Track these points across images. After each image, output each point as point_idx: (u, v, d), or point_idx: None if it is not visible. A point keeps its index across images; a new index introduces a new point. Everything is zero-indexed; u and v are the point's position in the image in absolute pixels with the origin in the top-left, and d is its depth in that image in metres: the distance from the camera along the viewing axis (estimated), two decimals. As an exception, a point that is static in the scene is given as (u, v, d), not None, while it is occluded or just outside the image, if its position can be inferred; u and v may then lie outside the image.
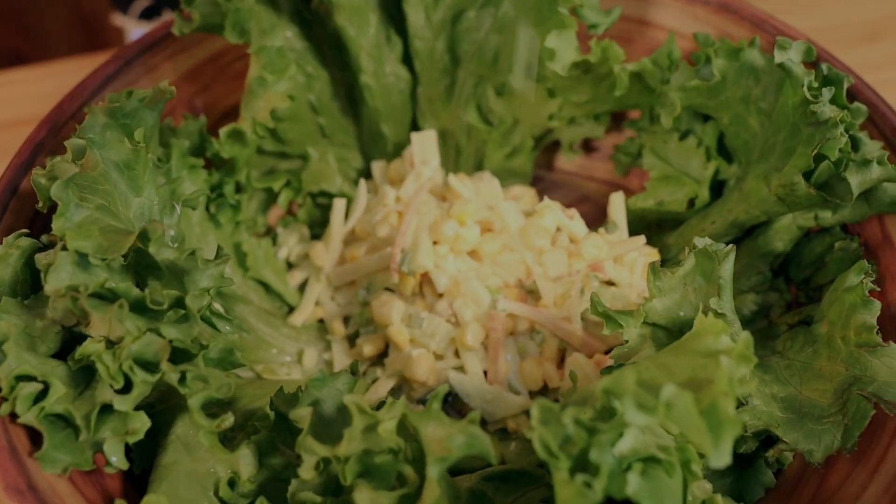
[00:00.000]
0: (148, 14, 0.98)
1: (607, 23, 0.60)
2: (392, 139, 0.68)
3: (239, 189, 0.64)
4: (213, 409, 0.48)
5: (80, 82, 0.59)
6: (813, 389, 0.51)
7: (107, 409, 0.46)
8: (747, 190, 0.59)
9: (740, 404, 0.50)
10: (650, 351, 0.53)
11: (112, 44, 1.18)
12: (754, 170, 0.59)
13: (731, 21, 0.63)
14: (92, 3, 1.29)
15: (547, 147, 0.71)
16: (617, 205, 0.65)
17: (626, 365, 0.45)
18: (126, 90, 0.54)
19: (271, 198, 0.67)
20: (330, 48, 0.65)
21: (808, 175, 0.54)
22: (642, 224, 0.66)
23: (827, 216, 0.58)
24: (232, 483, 0.47)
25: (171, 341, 0.45)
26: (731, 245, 0.51)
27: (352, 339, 0.64)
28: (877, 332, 0.49)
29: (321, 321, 0.65)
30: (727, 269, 0.51)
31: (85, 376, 0.48)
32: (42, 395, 0.45)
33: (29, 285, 0.49)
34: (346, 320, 0.64)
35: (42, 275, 0.46)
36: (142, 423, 0.46)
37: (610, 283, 0.61)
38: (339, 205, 0.65)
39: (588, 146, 0.71)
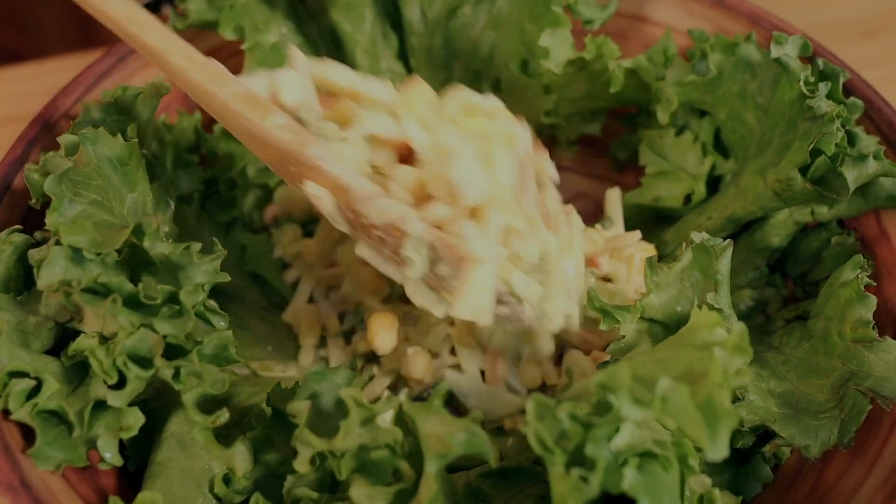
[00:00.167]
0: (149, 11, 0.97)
1: (602, 18, 0.60)
2: (388, 135, 0.68)
3: (234, 185, 0.64)
4: (208, 405, 0.47)
5: (74, 78, 0.59)
6: (809, 385, 0.51)
7: (100, 405, 0.45)
8: (744, 185, 0.59)
9: (736, 399, 0.50)
10: (647, 346, 0.53)
11: (108, 42, 1.17)
12: (751, 165, 0.59)
13: (726, 16, 0.63)
14: (88, 2, 1.29)
15: (543, 143, 0.71)
16: (613, 201, 0.65)
17: (622, 360, 0.45)
18: (120, 86, 0.54)
19: (266, 194, 0.66)
20: (325, 44, 0.65)
21: (804, 170, 0.54)
22: (639, 220, 0.66)
23: (823, 211, 0.58)
24: (227, 479, 0.47)
25: (165, 337, 0.45)
26: (728, 240, 0.51)
27: (347, 336, 0.64)
28: (873, 327, 0.49)
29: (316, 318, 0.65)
30: (724, 264, 0.51)
31: (78, 372, 0.47)
32: (35, 391, 0.45)
33: (22, 281, 0.49)
34: (341, 317, 0.64)
35: (35, 270, 0.46)
36: (136, 419, 0.46)
37: (606, 280, 0.61)
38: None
39: (584, 142, 0.71)
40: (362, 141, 0.50)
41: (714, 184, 0.65)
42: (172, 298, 0.47)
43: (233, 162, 0.62)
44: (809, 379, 0.52)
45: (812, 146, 0.53)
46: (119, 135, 0.52)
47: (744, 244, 0.61)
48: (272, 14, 0.62)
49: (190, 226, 0.60)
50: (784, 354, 0.54)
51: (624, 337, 0.52)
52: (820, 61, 0.56)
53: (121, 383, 0.45)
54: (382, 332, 0.58)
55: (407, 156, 0.51)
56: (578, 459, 0.37)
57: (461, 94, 0.53)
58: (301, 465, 0.42)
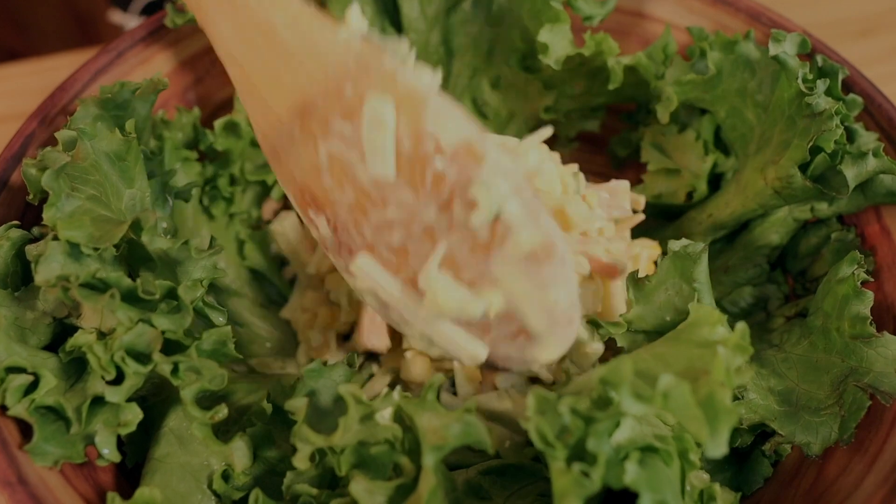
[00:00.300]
0: (149, 10, 0.97)
1: (602, 14, 0.60)
2: (387, 132, 0.68)
3: (233, 182, 0.63)
4: (207, 401, 0.47)
5: (72, 74, 0.58)
6: (810, 382, 0.51)
7: (98, 401, 0.45)
8: (744, 183, 0.59)
9: (736, 398, 0.50)
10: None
11: (106, 41, 1.17)
12: (751, 163, 0.59)
13: (726, 13, 0.63)
14: (87, 1, 1.29)
15: (542, 140, 0.71)
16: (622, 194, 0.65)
17: (623, 355, 0.45)
18: (118, 81, 0.53)
19: (265, 191, 0.66)
20: (324, 40, 0.65)
21: (804, 168, 0.54)
22: (639, 217, 0.66)
23: (823, 208, 0.58)
24: (226, 475, 0.47)
25: (163, 332, 0.45)
26: (702, 245, 0.51)
27: (347, 334, 0.64)
28: (870, 323, 0.49)
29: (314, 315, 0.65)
30: (701, 270, 0.51)
31: (76, 368, 0.47)
32: (32, 386, 0.45)
33: (20, 277, 0.49)
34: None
35: (32, 265, 0.45)
36: (134, 414, 0.45)
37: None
38: None
39: (584, 139, 0.71)
40: None
41: (715, 181, 0.65)
42: (171, 294, 0.46)
43: (231, 158, 0.62)
44: (809, 376, 0.51)
45: (811, 143, 0.53)
46: (117, 130, 0.52)
47: (744, 242, 0.61)
48: (271, 10, 0.61)
49: (188, 222, 0.60)
50: (784, 352, 0.54)
51: (623, 348, 0.52)
52: (819, 58, 0.56)
53: (119, 379, 0.45)
54: (372, 333, 0.58)
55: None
56: (579, 454, 0.37)
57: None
58: (300, 461, 0.42)
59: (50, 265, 0.45)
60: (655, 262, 0.61)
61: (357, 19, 0.43)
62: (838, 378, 0.50)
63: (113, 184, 0.51)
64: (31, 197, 0.50)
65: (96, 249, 0.45)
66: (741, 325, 0.38)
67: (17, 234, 0.49)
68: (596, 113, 0.69)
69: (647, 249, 0.61)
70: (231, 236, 0.64)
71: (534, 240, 0.41)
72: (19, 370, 0.45)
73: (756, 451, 0.52)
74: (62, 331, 0.48)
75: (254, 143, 0.64)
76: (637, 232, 0.65)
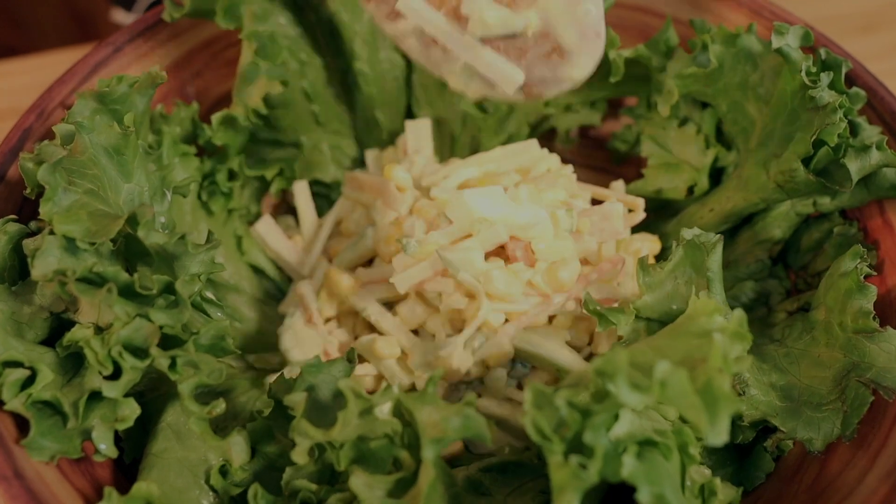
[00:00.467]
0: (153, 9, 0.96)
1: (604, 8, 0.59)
2: (386, 127, 0.68)
3: (231, 177, 0.63)
4: (204, 397, 0.47)
5: (70, 68, 0.58)
6: (812, 377, 0.51)
7: (95, 396, 0.45)
8: (746, 177, 0.59)
9: (738, 394, 0.50)
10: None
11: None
12: (753, 157, 0.59)
13: (728, 7, 0.63)
14: (86, 0, 1.29)
15: (543, 135, 0.71)
16: (617, 192, 0.64)
17: (619, 347, 0.44)
18: (116, 75, 0.53)
19: (264, 186, 0.66)
20: (323, 34, 0.65)
21: (806, 161, 0.54)
22: (640, 212, 0.66)
23: (826, 202, 0.57)
24: (224, 471, 0.47)
25: (160, 327, 0.45)
26: (718, 235, 0.51)
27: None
28: (873, 318, 0.49)
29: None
30: (715, 260, 0.51)
31: (73, 363, 0.47)
32: (29, 381, 0.45)
33: (17, 271, 0.48)
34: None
35: (29, 260, 0.45)
36: (131, 409, 0.45)
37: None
38: (303, 201, 0.65)
39: (584, 134, 0.71)
40: None
41: (717, 175, 0.64)
42: (168, 289, 0.46)
43: (230, 153, 0.62)
44: (811, 371, 0.51)
45: (814, 137, 0.53)
46: (115, 124, 0.51)
47: (746, 236, 0.61)
48: (270, 4, 0.61)
49: (186, 217, 0.59)
50: (786, 347, 0.54)
51: (622, 337, 0.52)
52: (822, 51, 0.56)
53: (116, 374, 0.45)
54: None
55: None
56: (577, 447, 0.37)
57: None
58: (299, 456, 0.42)
59: (46, 259, 0.44)
60: (656, 258, 0.61)
61: None
62: (840, 373, 0.50)
63: (111, 178, 0.51)
64: (28, 191, 0.50)
65: (93, 244, 0.45)
66: (738, 313, 0.38)
67: (14, 228, 0.49)
68: (596, 107, 0.68)
69: (648, 244, 0.61)
70: (230, 232, 0.64)
71: None
72: (16, 364, 0.45)
73: (758, 447, 0.51)
74: (59, 325, 0.48)
75: (252, 139, 0.63)
76: (637, 227, 0.64)
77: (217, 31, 0.64)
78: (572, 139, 0.71)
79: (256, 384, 0.58)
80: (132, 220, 0.46)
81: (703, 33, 0.60)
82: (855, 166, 0.53)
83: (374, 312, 0.58)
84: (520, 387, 0.58)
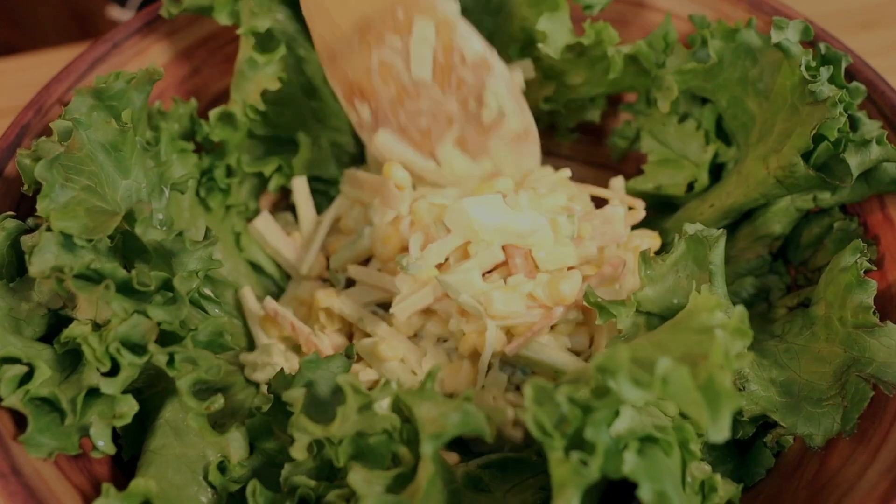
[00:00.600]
0: (148, 5, 0.96)
1: (602, 3, 0.59)
2: (385, 123, 0.68)
3: (230, 173, 0.63)
4: (203, 393, 0.47)
5: (68, 65, 0.58)
6: (812, 372, 0.51)
7: (93, 392, 0.45)
8: (746, 172, 0.59)
9: (738, 389, 0.50)
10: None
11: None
12: (753, 152, 0.59)
13: (727, 2, 0.63)
14: (85, -2, 1.28)
15: (543, 131, 0.70)
16: (617, 190, 0.64)
17: (620, 343, 0.44)
18: (114, 72, 0.53)
19: (262, 182, 0.66)
20: (322, 30, 0.64)
21: (807, 156, 0.54)
22: (640, 208, 0.66)
23: (826, 197, 0.57)
24: (222, 467, 0.47)
25: (158, 324, 0.45)
26: (721, 230, 0.51)
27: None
28: (873, 313, 0.49)
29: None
30: (718, 254, 0.51)
31: (71, 360, 0.47)
32: (27, 377, 0.44)
33: (15, 268, 0.48)
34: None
35: (26, 256, 0.45)
36: (129, 406, 0.45)
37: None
38: (302, 198, 0.65)
39: (584, 130, 0.71)
40: None
41: (717, 171, 0.64)
42: (166, 285, 0.46)
43: (228, 149, 0.62)
44: (811, 366, 0.51)
45: (814, 132, 0.52)
46: (113, 120, 0.51)
47: (746, 232, 0.61)
48: (268, -1, 0.61)
49: (184, 213, 0.59)
50: (786, 342, 0.53)
51: (622, 331, 0.52)
52: (822, 46, 0.55)
53: (114, 370, 0.44)
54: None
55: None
56: (578, 443, 0.37)
57: None
58: (298, 451, 0.42)
59: (44, 256, 0.44)
60: (655, 254, 0.61)
61: None
62: (841, 368, 0.49)
63: (108, 174, 0.51)
64: (25, 188, 0.50)
65: (90, 241, 0.45)
66: (739, 309, 0.38)
67: (12, 224, 0.49)
68: (596, 103, 0.68)
69: (648, 240, 0.61)
70: (228, 228, 0.64)
71: (519, 125, 0.60)
72: (14, 361, 0.45)
73: (758, 443, 0.51)
74: (57, 322, 0.48)
75: (251, 135, 0.63)
76: (637, 223, 0.64)
77: (215, 27, 0.64)
78: (572, 135, 0.71)
79: (253, 381, 0.58)
80: (130, 217, 0.46)
81: (703, 28, 0.60)
82: (855, 161, 0.53)
83: (370, 323, 0.58)
84: (518, 390, 0.58)
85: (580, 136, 0.71)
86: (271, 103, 0.62)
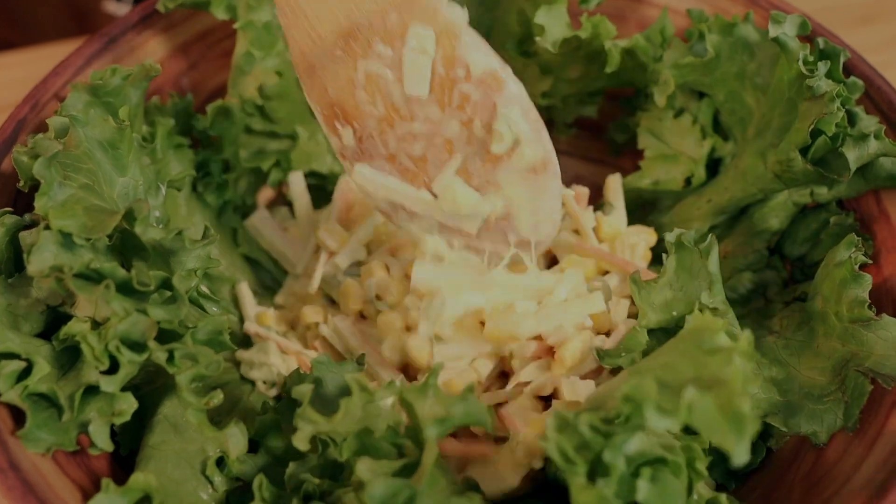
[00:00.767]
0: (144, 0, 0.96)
1: (599, -2, 0.59)
2: (383, 119, 0.67)
3: (227, 168, 0.63)
4: (202, 389, 0.47)
5: (64, 59, 0.58)
6: (811, 368, 0.51)
7: (92, 389, 0.45)
8: (743, 167, 0.59)
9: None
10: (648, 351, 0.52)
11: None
12: (750, 147, 0.59)
13: (725, -3, 0.62)
14: (83, -6, 1.28)
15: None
16: (614, 187, 0.64)
17: (636, 369, 0.44)
18: (110, 67, 0.53)
19: (260, 178, 0.66)
20: (319, 26, 0.64)
21: (804, 151, 0.54)
22: (638, 203, 0.66)
23: (823, 192, 0.57)
24: (221, 462, 0.47)
25: (158, 322, 0.45)
26: (711, 235, 0.51)
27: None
28: (869, 307, 0.49)
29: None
30: (713, 261, 0.51)
31: (69, 356, 0.47)
32: (25, 373, 0.44)
33: (13, 263, 0.48)
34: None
35: (25, 255, 0.45)
36: (128, 404, 0.45)
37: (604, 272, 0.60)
38: (298, 193, 0.65)
39: (581, 125, 0.71)
40: None
41: (714, 166, 0.64)
42: (165, 284, 0.46)
43: (225, 144, 0.62)
44: (810, 362, 0.51)
45: (812, 126, 0.52)
46: (110, 118, 0.51)
47: (743, 227, 0.61)
48: (265, -6, 0.61)
49: (181, 209, 0.59)
50: (784, 338, 0.53)
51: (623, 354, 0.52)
52: (820, 40, 0.55)
53: (113, 368, 0.44)
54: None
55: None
56: (600, 469, 0.37)
57: None
58: (300, 441, 0.42)
59: (42, 255, 0.44)
60: (651, 249, 0.61)
61: None
62: (839, 363, 0.50)
63: (105, 172, 0.51)
64: (21, 184, 0.50)
65: (89, 239, 0.45)
66: (747, 334, 0.38)
67: (10, 220, 0.48)
68: (593, 98, 0.68)
69: (644, 237, 0.61)
70: (225, 224, 0.63)
71: (536, 155, 0.50)
72: (12, 356, 0.45)
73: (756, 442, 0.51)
74: (55, 319, 0.48)
75: (248, 130, 0.63)
76: (635, 218, 0.64)
77: (212, 21, 0.64)
78: (569, 130, 0.71)
79: (249, 378, 0.58)
80: (129, 216, 0.45)
81: (700, 23, 0.59)
82: (853, 156, 0.53)
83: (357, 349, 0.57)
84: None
85: (577, 131, 0.71)
86: (268, 98, 0.62)
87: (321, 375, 0.46)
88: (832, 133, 0.52)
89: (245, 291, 0.61)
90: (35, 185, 0.47)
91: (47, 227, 0.45)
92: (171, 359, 0.45)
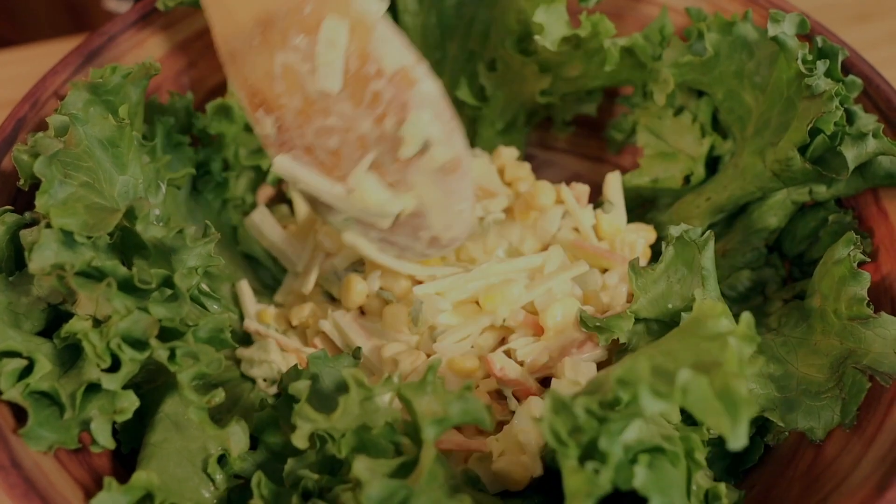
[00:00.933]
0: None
1: (599, -4, 0.59)
2: (382, 117, 0.68)
3: (227, 167, 0.63)
4: (203, 387, 0.47)
5: (63, 58, 0.58)
6: (809, 365, 0.51)
7: (93, 387, 0.45)
8: (742, 166, 0.59)
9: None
10: (644, 343, 0.53)
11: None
12: (749, 145, 0.59)
13: (723, -5, 0.63)
14: (80, -9, 1.28)
15: (539, 124, 0.71)
16: (614, 185, 0.64)
17: (638, 354, 0.45)
18: (110, 65, 0.53)
19: (260, 176, 0.66)
20: (318, 24, 0.64)
21: (803, 149, 0.54)
22: (637, 201, 0.66)
23: (821, 190, 0.57)
24: (223, 460, 0.47)
25: (159, 320, 0.45)
26: (709, 231, 0.52)
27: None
28: (867, 304, 0.49)
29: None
30: (708, 257, 0.51)
31: (71, 355, 0.47)
32: (27, 371, 0.44)
33: (14, 261, 0.48)
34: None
35: (26, 253, 0.45)
36: (130, 402, 0.45)
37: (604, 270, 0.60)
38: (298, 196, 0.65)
39: (580, 123, 0.71)
40: None
41: (713, 164, 0.64)
42: (167, 282, 0.46)
43: (225, 142, 0.62)
44: (808, 359, 0.51)
45: (811, 125, 0.53)
46: (110, 116, 0.51)
47: (742, 225, 0.61)
48: (265, -7, 0.61)
49: (181, 207, 0.59)
50: (783, 336, 0.54)
51: (620, 341, 0.53)
52: (818, 39, 0.55)
53: (115, 366, 0.44)
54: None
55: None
56: (591, 453, 0.37)
57: None
58: (299, 439, 0.42)
59: (44, 253, 0.44)
60: (651, 247, 0.61)
61: None
62: (837, 360, 0.50)
63: (106, 170, 0.51)
64: (21, 182, 0.50)
65: (90, 237, 0.45)
66: (747, 316, 0.38)
67: (11, 218, 0.48)
68: (592, 96, 0.68)
69: (643, 234, 0.61)
70: (224, 222, 0.63)
71: (447, 156, 0.50)
72: (14, 354, 0.45)
73: (754, 438, 0.51)
74: (56, 317, 0.48)
75: (248, 128, 0.63)
76: (634, 216, 0.65)
77: (211, 20, 0.63)
78: (568, 128, 0.71)
79: (249, 376, 0.58)
80: (130, 214, 0.46)
81: (699, 21, 0.60)
82: (851, 154, 0.53)
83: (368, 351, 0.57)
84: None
85: (576, 129, 0.71)
86: (268, 96, 0.62)
87: (318, 371, 0.46)
88: (831, 132, 0.53)
89: (245, 289, 0.61)
90: (35, 184, 0.47)
91: (48, 226, 0.45)
92: (172, 357, 0.45)
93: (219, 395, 0.45)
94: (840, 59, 0.55)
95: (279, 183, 0.67)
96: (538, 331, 0.56)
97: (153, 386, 0.50)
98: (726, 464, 0.51)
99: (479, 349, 0.56)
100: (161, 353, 0.44)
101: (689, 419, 0.47)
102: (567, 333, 0.54)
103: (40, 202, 0.45)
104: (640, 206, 0.66)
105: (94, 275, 0.45)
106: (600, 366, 0.55)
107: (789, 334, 0.54)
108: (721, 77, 0.60)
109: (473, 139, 0.68)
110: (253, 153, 0.64)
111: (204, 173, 0.61)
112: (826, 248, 0.56)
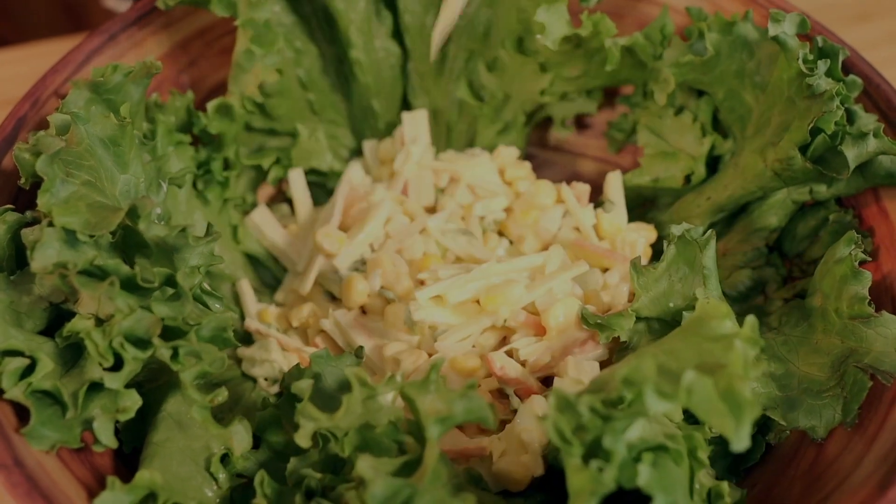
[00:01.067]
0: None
1: (599, -5, 0.59)
2: (383, 116, 0.68)
3: (227, 166, 0.63)
4: (206, 386, 0.47)
5: (64, 56, 0.58)
6: (810, 364, 0.51)
7: (95, 386, 0.45)
8: (743, 165, 0.59)
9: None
10: (646, 342, 0.53)
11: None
12: (750, 145, 0.59)
13: (724, -5, 0.63)
14: (78, -11, 1.27)
15: (539, 124, 0.71)
16: (614, 184, 0.64)
17: (638, 353, 0.45)
18: (110, 64, 0.53)
19: (260, 175, 0.66)
20: (319, 22, 0.64)
21: (803, 149, 0.54)
22: (637, 201, 0.66)
23: (822, 190, 0.57)
24: (226, 459, 0.47)
25: (162, 319, 0.45)
26: (710, 230, 0.52)
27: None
28: (869, 303, 0.49)
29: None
30: (709, 256, 0.52)
31: (73, 354, 0.47)
32: (29, 370, 0.44)
33: (15, 260, 0.48)
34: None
35: (28, 252, 0.45)
36: (133, 401, 0.45)
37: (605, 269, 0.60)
38: (298, 190, 0.65)
39: (581, 122, 0.71)
40: None
41: (713, 164, 0.64)
42: (169, 281, 0.46)
43: (225, 141, 0.62)
44: (809, 358, 0.51)
45: (811, 125, 0.53)
46: (111, 115, 0.51)
47: (742, 224, 0.61)
48: (265, -10, 0.61)
49: (181, 206, 0.59)
50: (784, 335, 0.54)
51: (621, 340, 0.53)
52: (819, 39, 0.56)
53: (117, 365, 0.44)
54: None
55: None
56: (595, 452, 0.37)
57: None
58: (302, 439, 0.42)
59: (46, 252, 0.44)
60: (651, 246, 0.61)
61: None
62: (838, 359, 0.50)
63: (107, 169, 0.51)
64: (22, 181, 0.50)
65: (92, 236, 0.45)
66: (751, 319, 0.38)
67: (12, 217, 0.48)
68: (593, 95, 0.68)
69: (644, 233, 0.61)
70: (225, 221, 0.63)
71: None
72: (16, 353, 0.45)
73: (755, 437, 0.52)
74: (58, 316, 0.48)
75: (248, 128, 0.63)
76: (634, 216, 0.65)
77: (212, 19, 0.64)
78: (568, 128, 0.71)
79: (250, 376, 0.58)
80: (132, 213, 0.45)
81: (700, 21, 0.60)
82: (852, 154, 0.53)
83: (369, 350, 0.58)
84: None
85: (577, 128, 0.71)
86: (268, 95, 0.62)
87: (320, 370, 0.46)
88: (831, 131, 0.53)
89: (246, 288, 0.61)
90: (36, 183, 0.47)
91: (50, 224, 0.45)
92: (175, 356, 0.45)
93: (222, 394, 0.45)
94: (840, 58, 0.55)
95: (279, 182, 0.67)
96: (539, 331, 0.56)
97: (155, 385, 0.50)
98: (728, 462, 0.51)
99: (480, 349, 0.56)
100: (164, 352, 0.44)
101: (691, 418, 0.47)
102: (569, 333, 0.55)
103: (42, 201, 0.45)
104: (641, 206, 0.66)
105: (96, 273, 0.44)
106: (601, 365, 0.55)
107: (790, 333, 0.54)
108: (721, 77, 0.60)
109: (473, 139, 0.68)
110: (253, 152, 0.64)
111: (204, 172, 0.61)
112: (826, 247, 0.56)
